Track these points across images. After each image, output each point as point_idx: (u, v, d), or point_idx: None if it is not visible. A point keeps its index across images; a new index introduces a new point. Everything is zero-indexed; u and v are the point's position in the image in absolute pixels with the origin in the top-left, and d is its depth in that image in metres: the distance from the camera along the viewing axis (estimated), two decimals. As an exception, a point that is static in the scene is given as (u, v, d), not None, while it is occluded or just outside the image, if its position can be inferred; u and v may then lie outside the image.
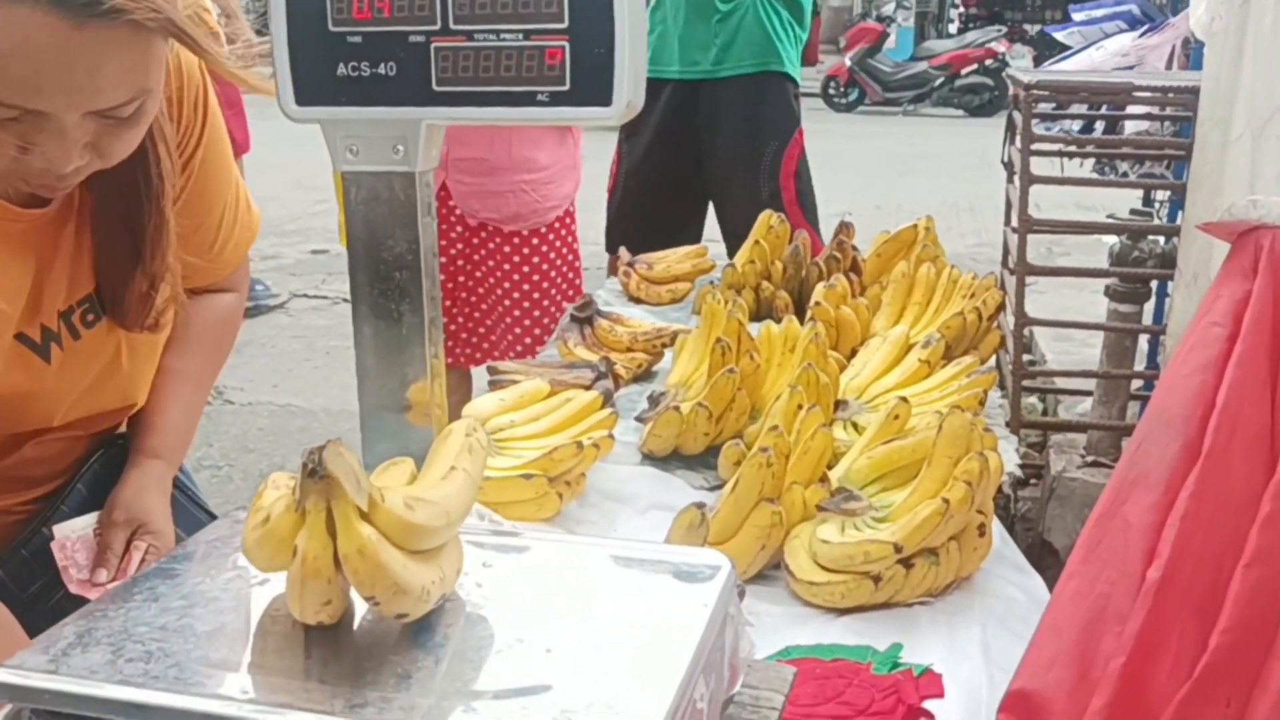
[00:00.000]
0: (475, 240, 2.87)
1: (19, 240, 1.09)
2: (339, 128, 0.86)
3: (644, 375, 2.11)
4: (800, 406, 1.53)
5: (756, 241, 2.45)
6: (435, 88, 0.83)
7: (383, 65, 0.84)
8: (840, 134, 11.83)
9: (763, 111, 3.23)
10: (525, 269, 2.88)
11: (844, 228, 2.46)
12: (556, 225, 2.87)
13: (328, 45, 0.84)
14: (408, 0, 0.81)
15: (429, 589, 0.72)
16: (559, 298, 2.91)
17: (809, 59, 20.27)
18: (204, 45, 0.96)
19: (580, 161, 2.99)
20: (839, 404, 1.73)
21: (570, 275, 2.95)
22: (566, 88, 0.81)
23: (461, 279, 2.93)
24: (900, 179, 9.08)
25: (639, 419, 1.80)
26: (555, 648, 0.72)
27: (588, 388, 1.82)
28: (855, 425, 1.70)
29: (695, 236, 3.37)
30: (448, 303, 2.94)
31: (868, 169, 9.31)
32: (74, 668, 0.69)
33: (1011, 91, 2.28)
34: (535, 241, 2.87)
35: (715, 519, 1.36)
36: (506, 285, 2.88)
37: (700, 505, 1.35)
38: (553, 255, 2.89)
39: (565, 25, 0.80)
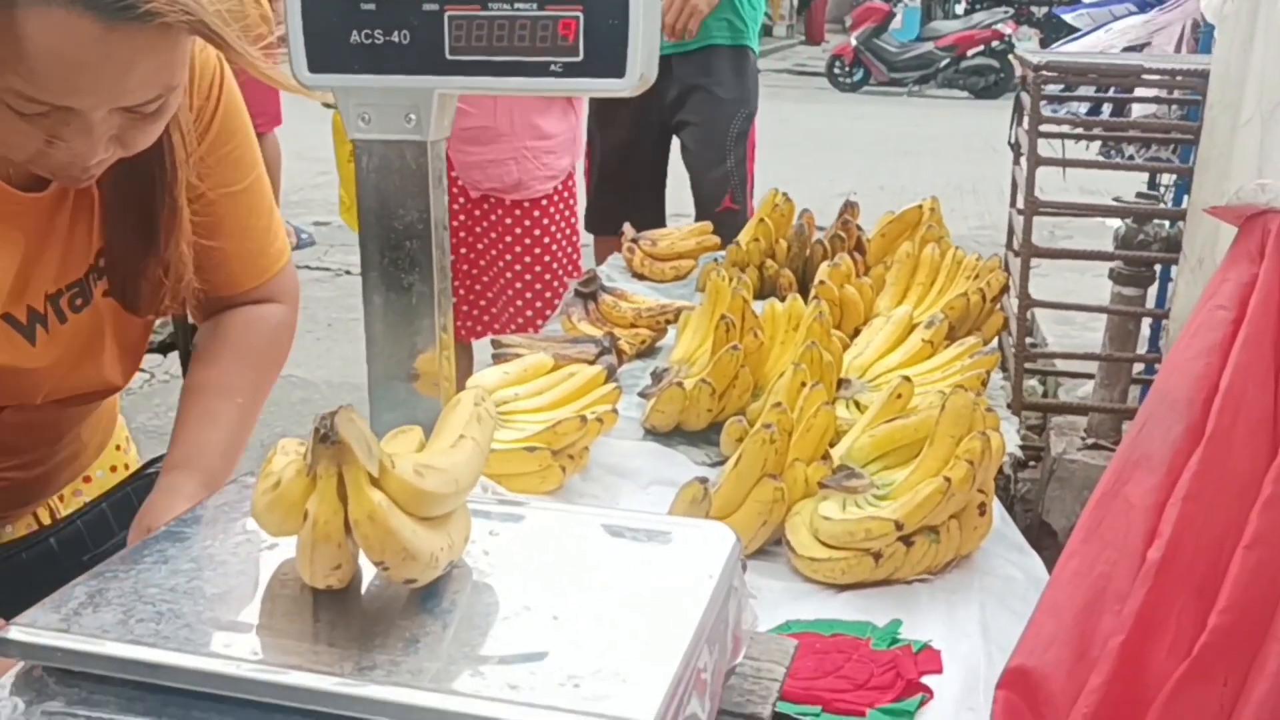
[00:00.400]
0: (477, 212, 2.88)
1: (10, 221, 1.08)
2: (351, 95, 0.86)
3: (647, 351, 2.11)
4: (803, 384, 1.53)
5: (761, 219, 2.45)
6: (448, 56, 0.83)
7: (396, 33, 0.84)
8: (844, 114, 11.81)
9: (732, 82, 3.26)
10: (527, 241, 2.89)
11: (849, 207, 2.46)
12: (555, 197, 2.90)
13: (341, 12, 0.84)
14: (422, -32, 0.81)
15: (437, 555, 0.73)
16: (559, 270, 2.93)
17: (814, 38, 20.16)
18: (232, 44, 0.95)
19: (581, 134, 3.01)
20: (841, 382, 1.73)
21: (569, 248, 2.97)
22: (580, 59, 0.81)
23: (464, 251, 2.94)
24: (904, 160, 9.05)
25: (642, 394, 1.81)
26: (561, 615, 0.73)
27: (591, 362, 1.83)
28: (858, 404, 1.71)
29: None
30: (474, 274, 2.96)
31: (872, 150, 9.29)
32: (85, 627, 0.70)
33: (1019, 73, 2.27)
34: (536, 213, 2.88)
35: (717, 494, 1.37)
36: (508, 257, 2.90)
37: (703, 480, 1.35)
38: (553, 228, 2.91)
39: (579, -4, 0.80)
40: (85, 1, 0.87)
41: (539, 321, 2.93)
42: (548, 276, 2.93)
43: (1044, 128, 2.01)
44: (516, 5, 0.81)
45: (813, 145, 9.23)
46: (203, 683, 0.67)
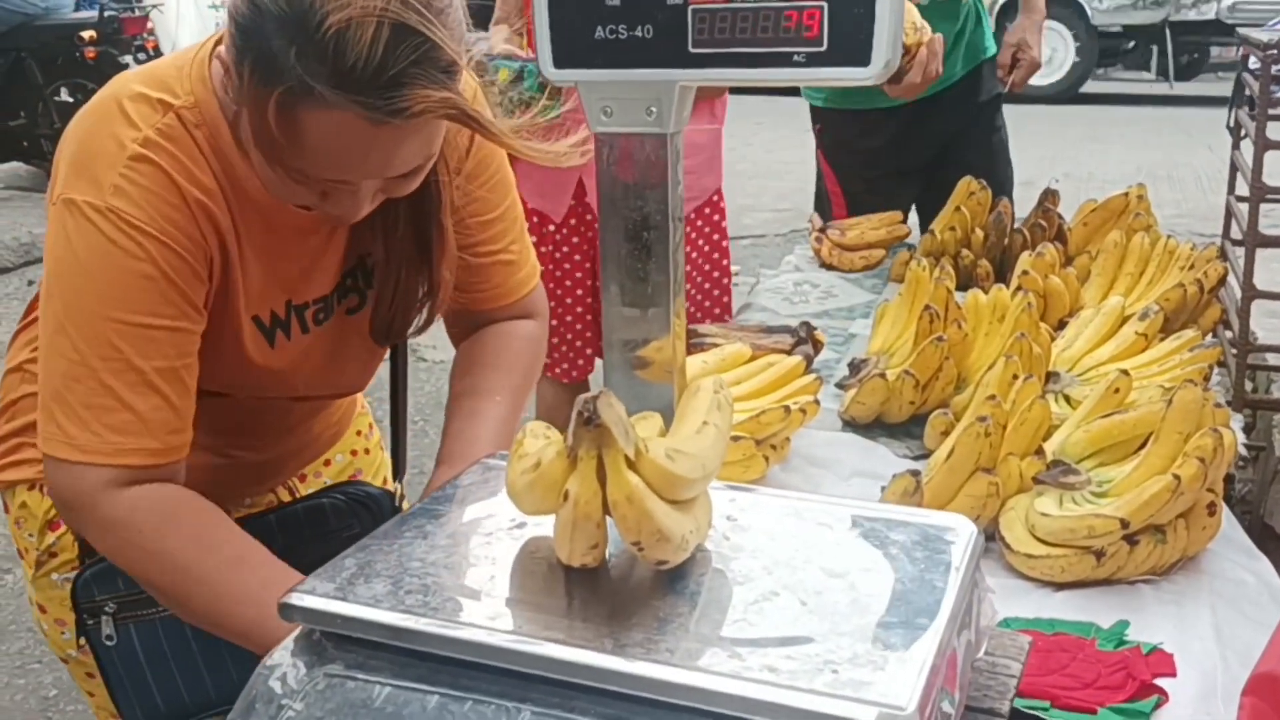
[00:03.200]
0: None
1: (265, 227, 1.16)
2: (594, 90, 0.88)
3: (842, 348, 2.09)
4: (1015, 376, 1.50)
5: (957, 208, 2.40)
6: (691, 50, 0.84)
7: (640, 28, 0.85)
8: (1025, 98, 11.39)
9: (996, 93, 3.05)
10: None
11: (1049, 195, 2.38)
12: (695, 218, 2.62)
13: (586, 8, 0.86)
14: (667, -37, 0.82)
15: (687, 538, 0.75)
16: (701, 300, 2.69)
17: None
18: (488, 126, 1.01)
19: (722, 155, 2.84)
20: (1050, 376, 1.68)
21: (715, 271, 2.73)
22: (824, 48, 0.81)
23: (599, 284, 2.74)
24: (1091, 146, 8.68)
25: (840, 385, 1.80)
26: (809, 601, 0.73)
27: (788, 352, 1.83)
28: (1068, 398, 1.66)
29: None
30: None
31: (1055, 135, 8.94)
32: (360, 596, 0.74)
33: (1241, 52, 2.16)
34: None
35: (929, 487, 1.35)
36: None
37: (915, 473, 1.34)
38: (692, 253, 2.66)
39: (824, -15, 0.80)
40: (360, 105, 0.95)
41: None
42: (689, 306, 2.62)
43: (1275, 110, 1.90)
44: (760, -3, 0.82)
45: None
46: (471, 652, 0.70)
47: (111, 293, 1.06)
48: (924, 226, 2.49)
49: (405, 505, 1.51)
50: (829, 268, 2.58)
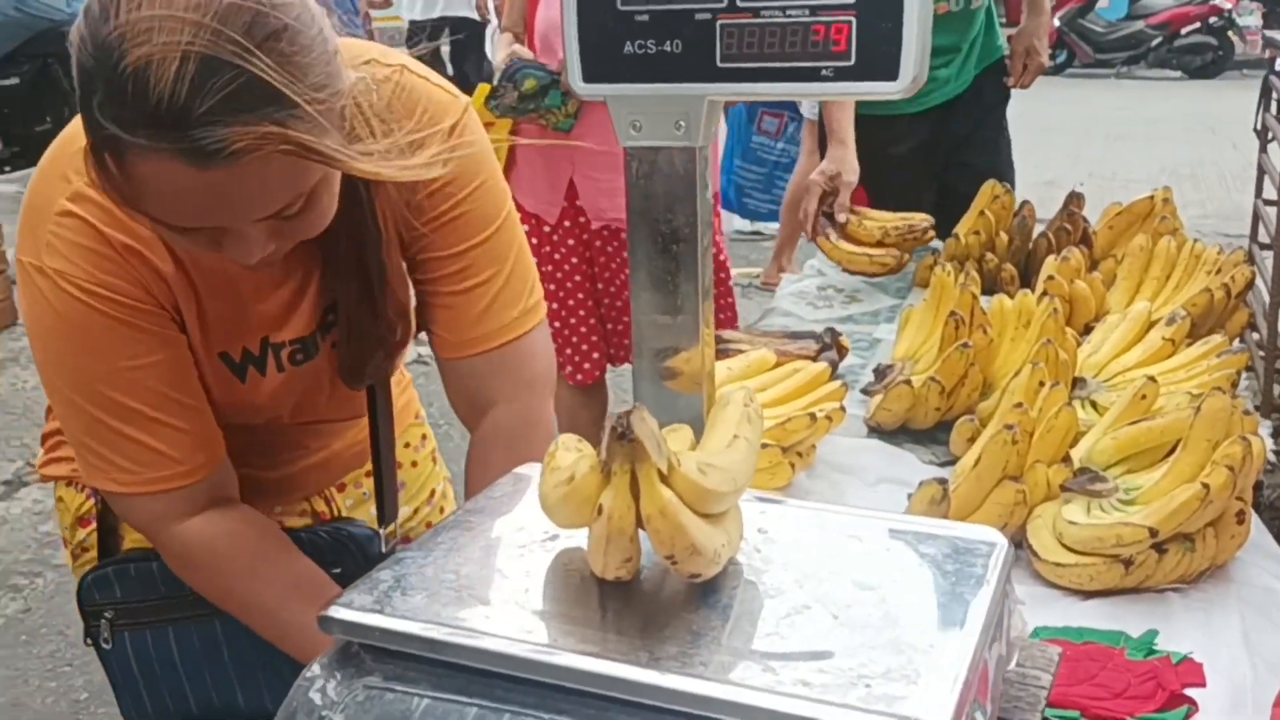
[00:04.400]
0: (597, 243, 2.81)
1: (231, 270, 1.12)
2: (623, 104, 0.89)
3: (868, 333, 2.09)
4: (1041, 383, 1.50)
5: (981, 212, 2.40)
6: (719, 64, 0.85)
7: (669, 43, 0.86)
8: (1047, 98, 11.31)
9: (1003, 102, 3.05)
10: None
11: (1074, 198, 2.38)
12: None
13: (616, 23, 0.87)
14: (696, -21, 0.83)
15: (719, 551, 0.75)
16: None
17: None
18: (328, 154, 0.91)
19: (718, 159, 2.86)
20: (1076, 382, 1.68)
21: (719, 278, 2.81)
22: (851, 63, 0.81)
23: (600, 285, 2.89)
24: (1114, 145, 8.64)
25: (865, 391, 1.80)
26: (841, 615, 0.74)
27: (813, 358, 1.83)
28: (1094, 404, 1.65)
29: None
30: (605, 303, 2.91)
31: (1078, 135, 8.90)
32: (397, 608, 0.75)
33: (1268, 54, 2.14)
34: None
35: (955, 494, 1.35)
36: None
37: (941, 481, 1.34)
38: None
39: (852, 1, 0.81)
40: (175, 150, 0.87)
41: None
42: None
43: (1302, 113, 1.89)
44: (788, 12, 0.82)
45: (1014, 131, 8.91)
46: (508, 665, 0.71)
47: (81, 347, 1.08)
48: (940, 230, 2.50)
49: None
50: (834, 263, 2.56)
